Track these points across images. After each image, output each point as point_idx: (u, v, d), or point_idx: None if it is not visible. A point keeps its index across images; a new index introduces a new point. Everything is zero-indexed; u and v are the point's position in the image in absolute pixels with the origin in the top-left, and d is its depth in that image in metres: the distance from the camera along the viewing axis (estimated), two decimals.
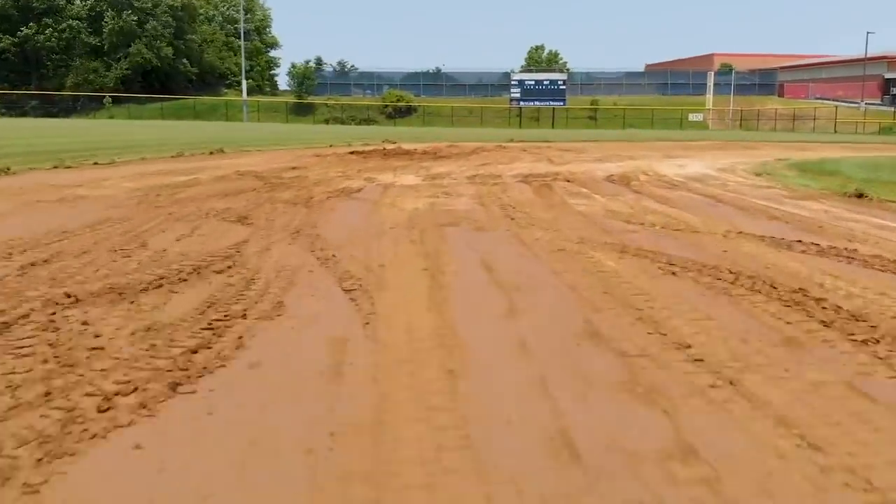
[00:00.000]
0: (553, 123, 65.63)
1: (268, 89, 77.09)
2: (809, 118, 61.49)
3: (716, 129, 65.08)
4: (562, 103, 67.41)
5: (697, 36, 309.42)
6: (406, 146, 17.74)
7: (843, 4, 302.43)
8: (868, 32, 75.80)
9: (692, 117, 67.38)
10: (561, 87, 67.29)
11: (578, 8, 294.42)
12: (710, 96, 69.87)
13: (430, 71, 79.12)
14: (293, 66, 72.15)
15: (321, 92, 73.56)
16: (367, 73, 78.04)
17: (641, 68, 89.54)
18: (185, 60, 69.97)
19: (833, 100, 69.30)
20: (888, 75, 70.73)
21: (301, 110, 69.11)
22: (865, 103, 64.95)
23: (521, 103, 67.08)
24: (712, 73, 71.73)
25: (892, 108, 62.25)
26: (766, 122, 65.61)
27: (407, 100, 69.97)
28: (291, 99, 70.26)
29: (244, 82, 64.94)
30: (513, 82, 67.94)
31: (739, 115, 68.87)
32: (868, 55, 68.78)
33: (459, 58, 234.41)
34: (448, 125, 63.90)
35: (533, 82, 67.31)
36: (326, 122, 66.24)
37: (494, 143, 21.45)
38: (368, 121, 66.73)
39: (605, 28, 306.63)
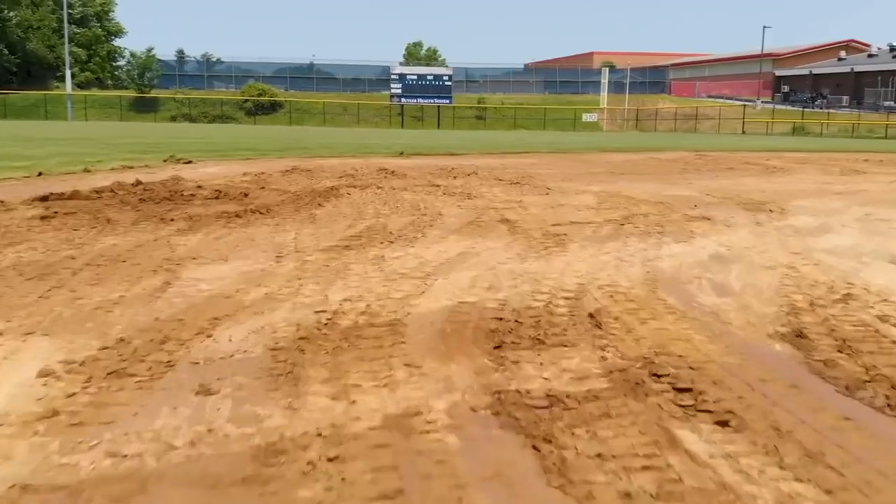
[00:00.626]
0: (439, 123, 58.73)
1: (110, 82, 65.31)
2: (709, 118, 57.55)
3: (610, 130, 60.31)
4: (448, 101, 60.58)
5: (575, 35, 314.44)
6: (145, 178, 6.97)
7: (712, 6, 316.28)
8: (765, 27, 73.81)
9: (587, 117, 62.33)
10: (447, 83, 60.41)
11: (456, 5, 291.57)
12: (605, 94, 65.09)
13: (303, 65, 70.53)
14: (132, 55, 61.22)
15: (169, 84, 63.17)
16: (233, 65, 68.30)
17: (522, 67, 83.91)
18: (2, 48, 57.81)
19: (720, 97, 66.33)
20: (779, 72, 68.72)
21: (143, 106, 58.40)
22: (762, 101, 62.17)
23: (403, 100, 59.63)
24: (606, 69, 66.98)
25: (791, 107, 59.58)
26: (663, 121, 61.47)
27: (271, 94, 60.84)
28: (131, 93, 59.35)
29: (68, 74, 53.50)
30: (393, 76, 60.33)
31: (635, 115, 64.50)
32: (753, 53, 66.30)
33: (334, 53, 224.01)
34: (319, 123, 55.74)
35: (416, 77, 59.96)
36: (173, 119, 56.23)
37: (377, 162, 11.18)
38: (223, 118, 57.12)
39: (484, 26, 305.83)
